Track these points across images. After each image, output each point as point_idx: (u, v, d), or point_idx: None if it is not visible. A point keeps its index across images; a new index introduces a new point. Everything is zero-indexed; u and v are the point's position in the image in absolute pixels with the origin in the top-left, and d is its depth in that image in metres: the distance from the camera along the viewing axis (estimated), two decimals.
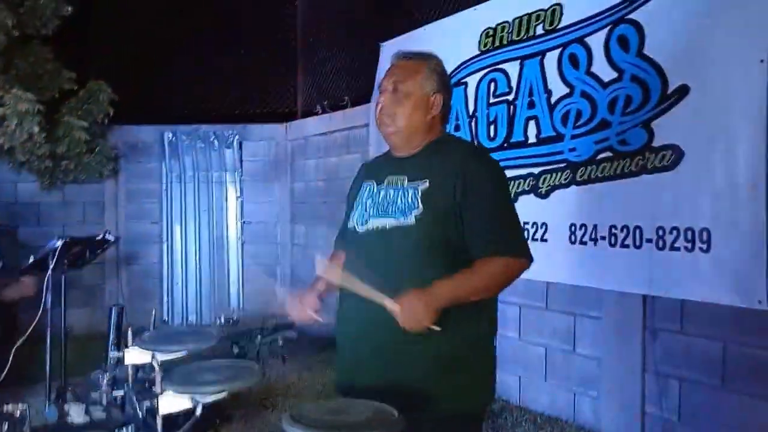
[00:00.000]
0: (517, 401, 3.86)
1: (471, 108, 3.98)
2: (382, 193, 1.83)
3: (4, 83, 4.90)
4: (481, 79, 3.93)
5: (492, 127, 3.85)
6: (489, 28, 3.91)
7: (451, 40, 4.08)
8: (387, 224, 1.76)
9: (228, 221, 6.69)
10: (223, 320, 6.31)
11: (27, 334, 3.09)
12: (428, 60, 1.89)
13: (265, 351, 4.87)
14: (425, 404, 1.68)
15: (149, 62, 6.51)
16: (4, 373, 3.08)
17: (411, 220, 1.72)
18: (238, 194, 6.67)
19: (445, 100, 1.89)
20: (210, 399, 1.49)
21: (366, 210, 1.85)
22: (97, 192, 6.42)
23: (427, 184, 1.76)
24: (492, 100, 3.86)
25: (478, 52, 3.97)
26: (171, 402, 1.43)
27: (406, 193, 1.77)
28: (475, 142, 3.85)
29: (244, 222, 6.68)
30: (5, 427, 1.48)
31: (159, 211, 6.60)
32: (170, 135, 6.49)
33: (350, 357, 1.85)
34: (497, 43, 3.86)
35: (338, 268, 1.81)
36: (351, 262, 1.87)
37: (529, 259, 1.77)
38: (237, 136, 6.57)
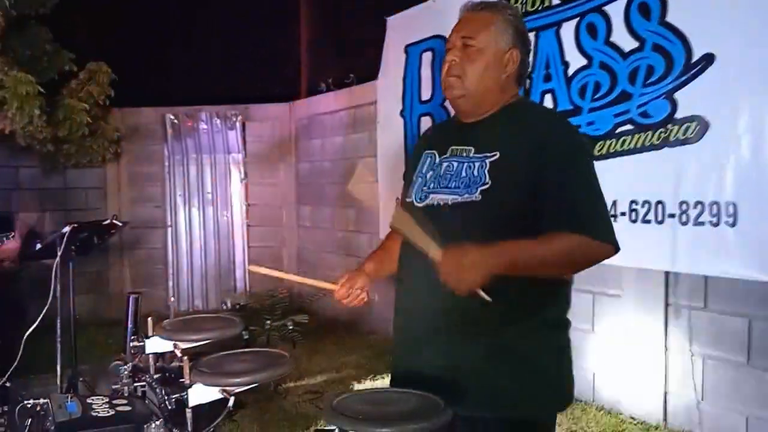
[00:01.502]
0: None
1: None
2: (445, 165, 1.63)
3: (3, 65, 4.78)
4: None
5: None
6: None
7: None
8: (449, 200, 1.56)
9: (233, 204, 6.61)
10: (229, 305, 6.25)
11: (37, 322, 3.02)
12: (503, 10, 1.65)
13: (275, 335, 4.81)
14: (481, 402, 1.50)
15: (150, 42, 6.38)
16: (16, 362, 3.02)
17: (476, 195, 1.52)
18: (243, 176, 6.58)
19: (522, 56, 1.65)
20: (241, 389, 1.43)
21: (426, 183, 1.65)
22: (99, 176, 6.33)
23: (498, 155, 1.54)
24: None
25: None
26: (201, 394, 1.37)
27: (472, 165, 1.57)
28: None
29: (248, 204, 6.59)
30: (28, 422, 1.42)
31: (162, 194, 6.52)
32: (172, 117, 6.39)
33: (405, 341, 1.66)
34: None
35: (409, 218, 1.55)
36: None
37: (615, 246, 1.52)
38: (240, 117, 6.47)
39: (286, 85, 6.61)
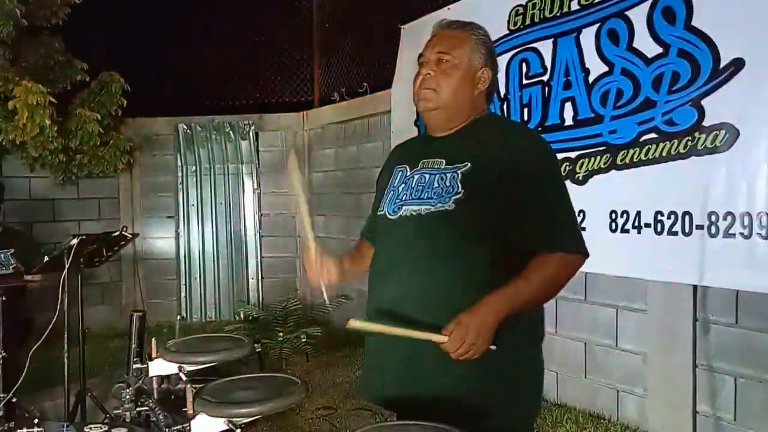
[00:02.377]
0: (555, 399, 3.68)
1: (502, 91, 3.77)
2: (416, 177, 1.65)
3: (14, 75, 4.75)
4: (511, 60, 3.73)
5: (526, 110, 3.65)
6: (518, 5, 3.70)
7: (477, 19, 3.86)
8: (422, 209, 1.58)
9: (245, 214, 6.55)
10: (242, 316, 6.17)
11: (43, 337, 2.95)
12: (475, 30, 1.69)
13: (288, 348, 4.71)
14: (471, 420, 1.50)
15: (163, 52, 6.35)
16: (22, 377, 2.95)
17: (450, 204, 1.53)
18: (256, 186, 6.52)
19: (493, 76, 1.70)
20: (247, 420, 1.33)
21: (398, 196, 1.66)
22: (112, 186, 6.30)
23: (469, 166, 1.57)
24: (525, 82, 3.65)
25: (507, 32, 3.76)
26: (205, 426, 1.27)
27: (444, 176, 1.59)
28: None
29: (261, 214, 6.53)
30: None
31: (175, 205, 6.47)
32: (185, 127, 6.35)
33: (379, 364, 1.67)
34: (528, 21, 3.65)
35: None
36: (382, 251, 1.71)
37: (585, 255, 1.59)
38: (253, 127, 6.41)
39: (299, 94, 6.55)
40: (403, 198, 1.65)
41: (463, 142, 1.64)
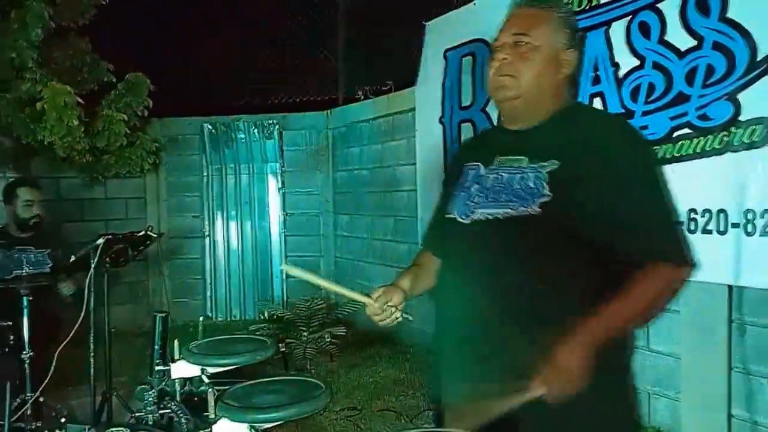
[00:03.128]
0: None
1: None
2: (492, 176, 1.46)
3: (42, 77, 4.81)
4: None
5: None
6: None
7: (504, 15, 3.82)
8: (500, 214, 1.40)
9: (270, 213, 6.57)
10: (266, 315, 6.18)
11: (70, 336, 2.97)
12: (558, 8, 1.51)
13: (312, 348, 4.70)
14: None
15: (188, 53, 6.39)
16: (49, 377, 2.97)
17: (534, 208, 1.35)
18: (280, 185, 6.52)
19: (578, 58, 1.51)
20: (271, 425, 1.30)
21: (471, 197, 1.47)
22: (138, 186, 6.35)
23: (556, 165, 1.38)
24: None
25: None
26: (226, 431, 1.25)
27: (526, 176, 1.40)
28: None
29: (286, 213, 6.54)
30: None
31: (200, 204, 6.51)
32: (210, 127, 6.38)
33: (453, 375, 1.47)
34: None
35: None
36: (451, 260, 1.52)
37: (694, 265, 1.40)
38: (277, 126, 6.42)
39: (323, 93, 6.55)
40: (477, 200, 1.47)
41: (548, 136, 1.45)
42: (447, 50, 4.51)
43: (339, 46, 6.38)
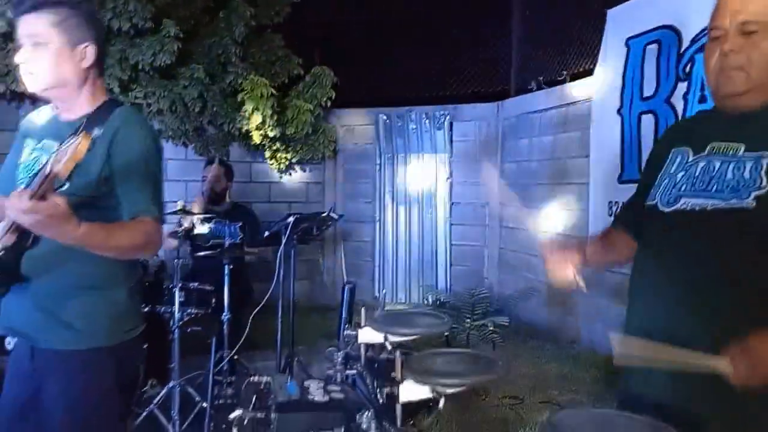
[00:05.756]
0: None
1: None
2: (702, 164, 1.36)
3: (243, 71, 5.36)
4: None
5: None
6: None
7: (686, 5, 3.60)
8: (708, 205, 1.29)
9: (437, 202, 6.73)
10: (431, 301, 6.37)
11: (261, 303, 3.33)
12: None
13: (475, 335, 4.79)
14: None
15: (366, 48, 6.73)
16: (243, 338, 3.36)
17: (749, 201, 1.24)
18: (448, 175, 6.66)
19: None
20: (451, 391, 1.42)
21: (676, 185, 1.38)
22: (318, 172, 6.82)
23: None
24: None
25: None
26: (411, 391, 1.38)
27: (742, 165, 1.28)
28: None
29: (452, 203, 6.66)
30: (254, 398, 1.56)
31: (372, 191, 6.84)
32: (384, 117, 6.67)
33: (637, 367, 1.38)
34: None
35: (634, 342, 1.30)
36: (649, 251, 1.43)
37: None
38: (448, 117, 6.55)
39: (495, 84, 6.56)
40: (682, 188, 1.37)
41: None
42: (629, 38, 4.34)
43: (514, 37, 6.35)
